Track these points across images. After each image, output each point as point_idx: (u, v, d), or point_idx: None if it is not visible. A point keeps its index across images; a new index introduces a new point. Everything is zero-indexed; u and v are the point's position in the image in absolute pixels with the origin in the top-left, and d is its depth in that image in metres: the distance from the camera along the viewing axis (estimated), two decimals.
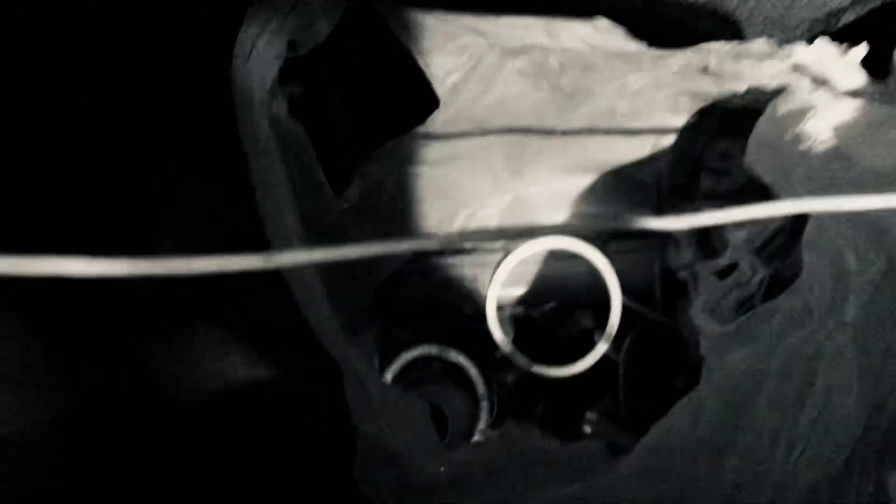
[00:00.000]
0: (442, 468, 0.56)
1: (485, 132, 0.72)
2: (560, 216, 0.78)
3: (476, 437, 0.71)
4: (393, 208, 0.72)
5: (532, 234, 0.30)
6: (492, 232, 0.31)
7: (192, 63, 0.67)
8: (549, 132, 0.72)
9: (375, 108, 0.74)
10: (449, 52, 0.65)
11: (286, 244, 0.56)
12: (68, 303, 0.54)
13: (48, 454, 0.54)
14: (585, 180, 0.76)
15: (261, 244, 0.63)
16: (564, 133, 0.72)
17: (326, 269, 0.59)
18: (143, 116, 0.70)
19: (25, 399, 0.52)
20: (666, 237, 0.74)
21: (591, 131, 0.71)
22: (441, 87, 0.66)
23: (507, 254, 0.72)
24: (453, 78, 0.66)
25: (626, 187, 0.77)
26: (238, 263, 0.26)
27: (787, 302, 0.56)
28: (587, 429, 0.69)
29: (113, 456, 0.56)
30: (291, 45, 0.55)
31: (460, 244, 0.30)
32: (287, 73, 0.55)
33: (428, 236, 0.30)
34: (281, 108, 0.55)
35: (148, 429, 0.57)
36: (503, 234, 0.32)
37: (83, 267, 0.23)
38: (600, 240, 0.75)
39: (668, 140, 0.74)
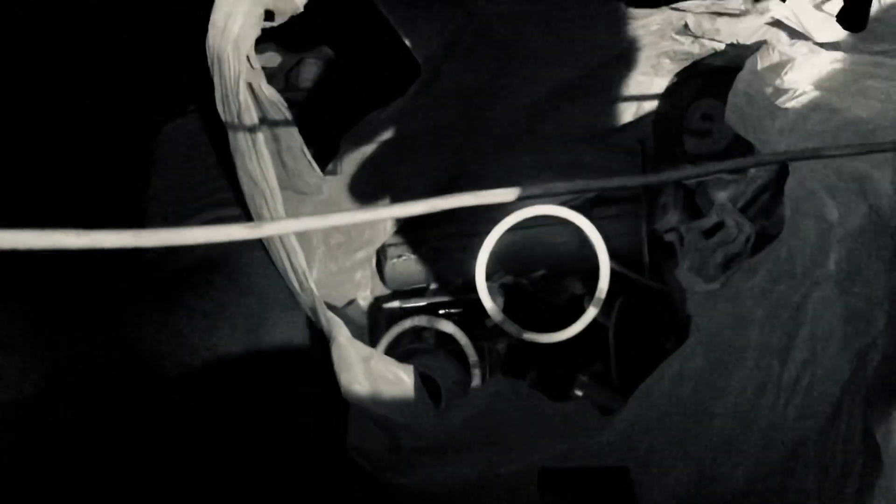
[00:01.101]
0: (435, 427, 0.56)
1: (466, 103, 0.72)
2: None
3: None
4: (376, 179, 0.72)
5: (520, 198, 0.29)
6: (478, 195, 0.32)
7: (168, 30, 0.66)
8: (532, 100, 0.72)
9: (354, 79, 0.74)
10: (429, 22, 0.65)
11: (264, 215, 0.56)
12: (55, 275, 0.54)
13: (32, 427, 0.54)
14: (571, 147, 0.76)
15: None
16: (546, 100, 0.71)
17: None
18: (123, 86, 0.70)
19: (10, 371, 0.52)
20: (652, 201, 0.74)
21: (572, 98, 0.71)
22: (421, 58, 0.66)
23: (495, 223, 0.72)
24: (433, 48, 0.66)
25: (612, 153, 0.77)
26: (225, 234, 0.27)
27: (770, 256, 0.56)
28: (579, 392, 0.70)
29: (99, 429, 0.56)
30: (269, 15, 0.55)
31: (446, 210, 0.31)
32: (264, 42, 0.55)
33: (413, 203, 0.30)
34: (258, 77, 0.55)
35: (135, 403, 0.57)
36: (490, 195, 0.33)
37: (74, 240, 0.24)
38: (587, 206, 0.75)
39: (651, 104, 0.74)
